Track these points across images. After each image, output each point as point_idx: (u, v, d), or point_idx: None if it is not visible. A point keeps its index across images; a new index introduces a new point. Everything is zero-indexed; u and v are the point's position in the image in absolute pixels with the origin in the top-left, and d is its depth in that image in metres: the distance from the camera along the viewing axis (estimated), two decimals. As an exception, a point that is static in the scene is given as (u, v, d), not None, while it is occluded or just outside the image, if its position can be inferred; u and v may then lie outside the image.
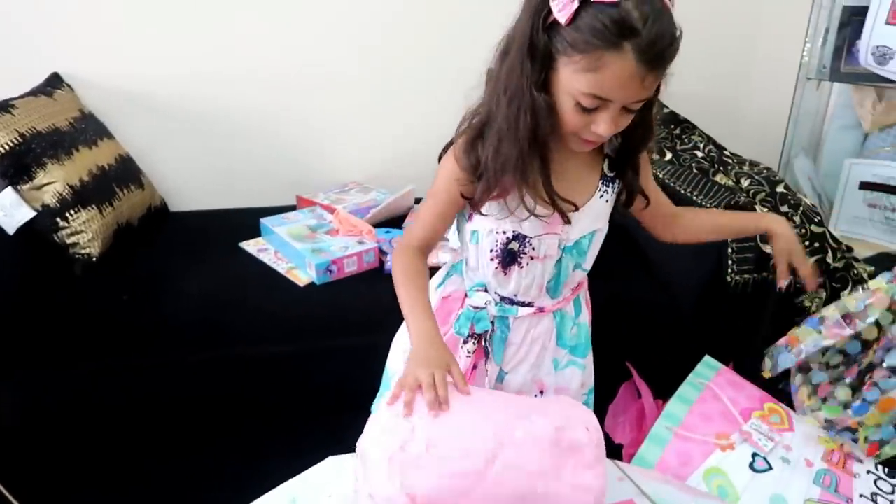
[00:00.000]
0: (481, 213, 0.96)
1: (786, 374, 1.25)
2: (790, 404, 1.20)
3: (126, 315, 1.49)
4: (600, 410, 1.21)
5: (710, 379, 1.19)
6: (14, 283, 1.50)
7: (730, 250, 1.43)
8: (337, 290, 1.59)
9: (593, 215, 0.99)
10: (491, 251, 0.99)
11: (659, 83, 0.83)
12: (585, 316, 1.13)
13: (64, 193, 1.59)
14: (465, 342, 1.04)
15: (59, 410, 1.41)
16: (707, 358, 1.26)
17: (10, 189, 1.54)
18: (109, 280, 1.60)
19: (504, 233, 0.97)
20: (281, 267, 1.66)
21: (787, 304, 1.42)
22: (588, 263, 1.04)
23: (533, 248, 0.97)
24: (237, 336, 1.47)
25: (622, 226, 1.80)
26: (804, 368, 1.21)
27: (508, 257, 0.98)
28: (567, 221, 0.94)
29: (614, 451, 1.18)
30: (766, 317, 1.42)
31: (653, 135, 0.95)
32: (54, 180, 1.58)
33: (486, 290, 1.04)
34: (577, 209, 0.95)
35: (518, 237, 0.96)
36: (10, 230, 1.54)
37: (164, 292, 1.56)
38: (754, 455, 1.04)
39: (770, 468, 1.03)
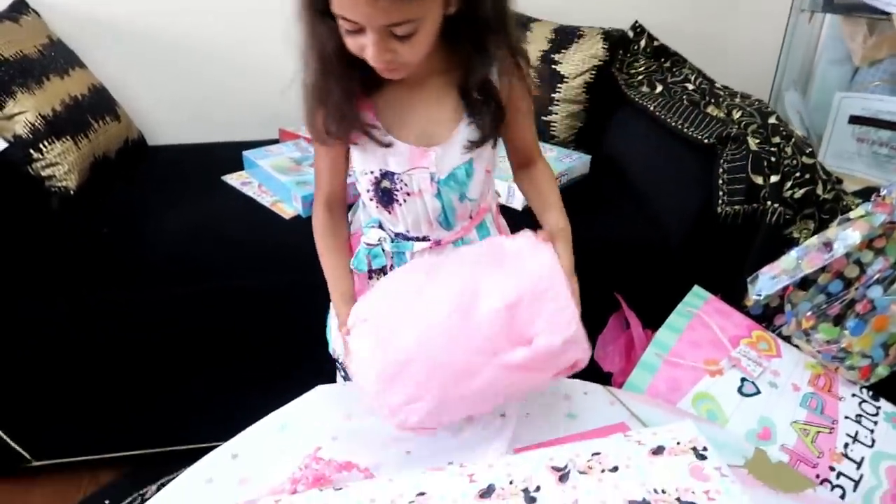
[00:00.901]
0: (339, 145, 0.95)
1: (767, 315, 1.26)
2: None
3: (107, 250, 1.45)
4: (590, 341, 1.22)
5: (699, 308, 1.20)
6: (-12, 217, 1.45)
7: (721, 182, 1.42)
8: (323, 223, 1.56)
9: (460, 147, 0.94)
10: (368, 191, 0.97)
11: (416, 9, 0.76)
12: None
13: (36, 124, 1.53)
14: (371, 278, 1.03)
15: (38, 344, 1.39)
16: (696, 288, 1.26)
17: (-22, 119, 1.48)
18: (88, 214, 1.56)
19: (372, 172, 0.95)
20: (266, 200, 1.63)
21: (777, 235, 1.42)
22: (474, 192, 0.99)
23: (405, 185, 0.94)
24: (222, 269, 1.44)
25: (611, 158, 1.80)
26: (792, 302, 1.22)
27: (385, 196, 0.97)
28: (383, 145, 0.92)
29: (604, 379, 1.19)
30: (756, 248, 1.42)
31: (486, 59, 0.87)
32: (25, 110, 1.52)
33: (381, 227, 1.02)
34: (383, 130, 0.92)
35: (387, 175, 0.94)
36: (-19, 162, 1.48)
37: (146, 227, 1.53)
38: (743, 380, 1.06)
39: (758, 392, 1.04)
